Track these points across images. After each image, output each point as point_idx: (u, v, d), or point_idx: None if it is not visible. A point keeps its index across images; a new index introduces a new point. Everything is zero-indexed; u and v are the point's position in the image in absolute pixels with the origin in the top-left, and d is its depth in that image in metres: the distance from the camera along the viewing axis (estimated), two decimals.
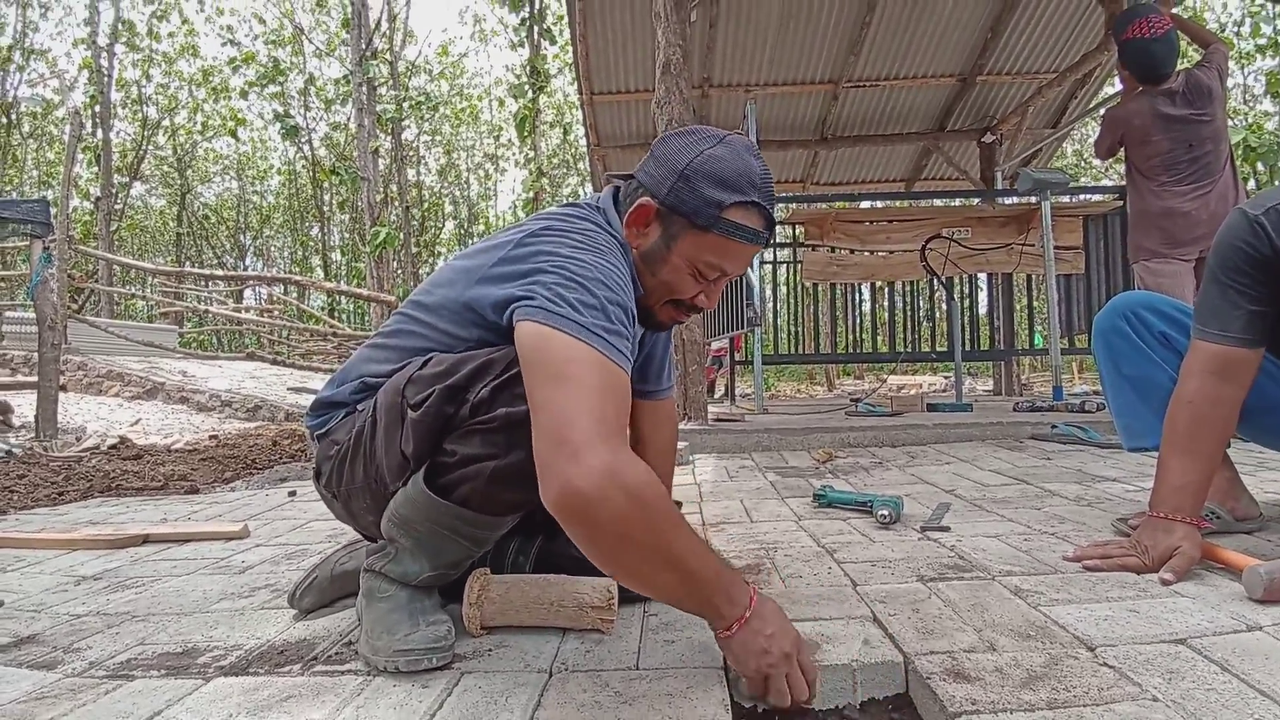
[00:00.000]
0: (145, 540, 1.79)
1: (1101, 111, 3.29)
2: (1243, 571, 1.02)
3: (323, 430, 1.08)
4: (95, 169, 14.34)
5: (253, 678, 0.91)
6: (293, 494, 2.46)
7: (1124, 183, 4.32)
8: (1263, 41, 9.43)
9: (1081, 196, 4.91)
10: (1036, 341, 7.22)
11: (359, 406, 1.03)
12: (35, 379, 4.59)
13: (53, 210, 4.44)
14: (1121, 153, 3.01)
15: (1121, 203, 4.26)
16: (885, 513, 1.53)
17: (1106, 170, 16.12)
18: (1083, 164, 17.19)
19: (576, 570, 1.03)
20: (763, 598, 0.84)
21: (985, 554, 1.28)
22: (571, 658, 0.92)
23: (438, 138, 20.31)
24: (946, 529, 1.47)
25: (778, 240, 5.53)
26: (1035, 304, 5.65)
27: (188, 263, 18.94)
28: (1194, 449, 1.18)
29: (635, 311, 0.94)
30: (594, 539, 0.76)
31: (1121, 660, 0.83)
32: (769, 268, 5.50)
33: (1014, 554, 1.27)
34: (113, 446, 4.23)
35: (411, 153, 18.28)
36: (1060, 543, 1.34)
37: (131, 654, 1.02)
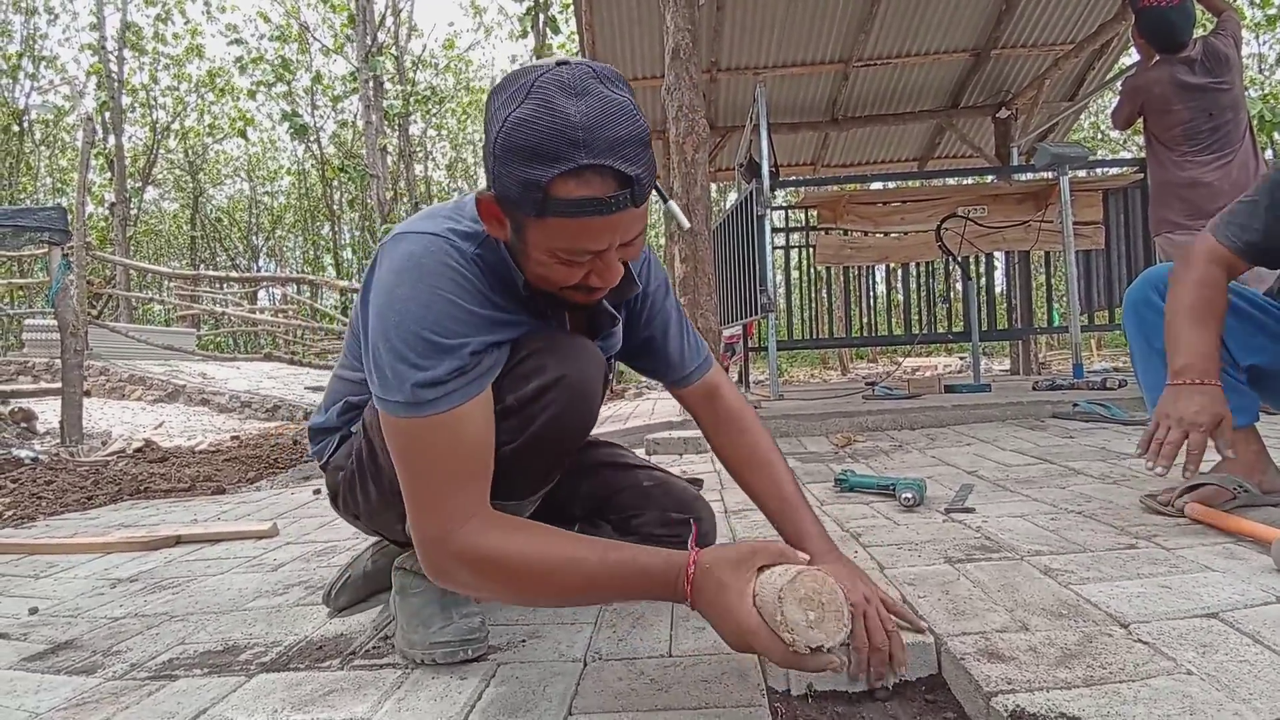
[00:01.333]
0: (178, 541, 1.83)
1: (1119, 83, 3.22)
2: (1271, 544, 1.02)
3: (324, 460, 1.11)
4: (108, 174, 14.50)
5: (294, 673, 0.94)
6: (317, 492, 2.49)
7: (1144, 154, 4.25)
8: (1273, 12, 9.19)
9: (1101, 170, 4.82)
10: (1054, 320, 7.13)
11: (352, 429, 1.06)
12: (59, 385, 4.68)
13: (69, 217, 4.51)
14: (1140, 124, 2.97)
15: (1142, 175, 4.17)
16: (909, 495, 1.52)
17: (1125, 142, 15.80)
18: (1100, 136, 16.87)
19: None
20: (704, 600, 0.73)
21: (1012, 534, 1.28)
22: (605, 646, 0.94)
23: (444, 132, 20.32)
24: (971, 510, 1.46)
25: (790, 225, 5.49)
26: (1053, 281, 5.57)
27: (202, 265, 19.14)
28: (1205, 322, 1.25)
29: (500, 307, 0.86)
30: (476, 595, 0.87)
31: (1155, 636, 0.82)
32: (781, 253, 5.46)
33: (1041, 533, 1.27)
34: (138, 450, 4.31)
35: (419, 148, 18.30)
36: (1087, 521, 1.33)
37: (172, 654, 1.04)
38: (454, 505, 0.78)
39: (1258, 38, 13.24)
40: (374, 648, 1.00)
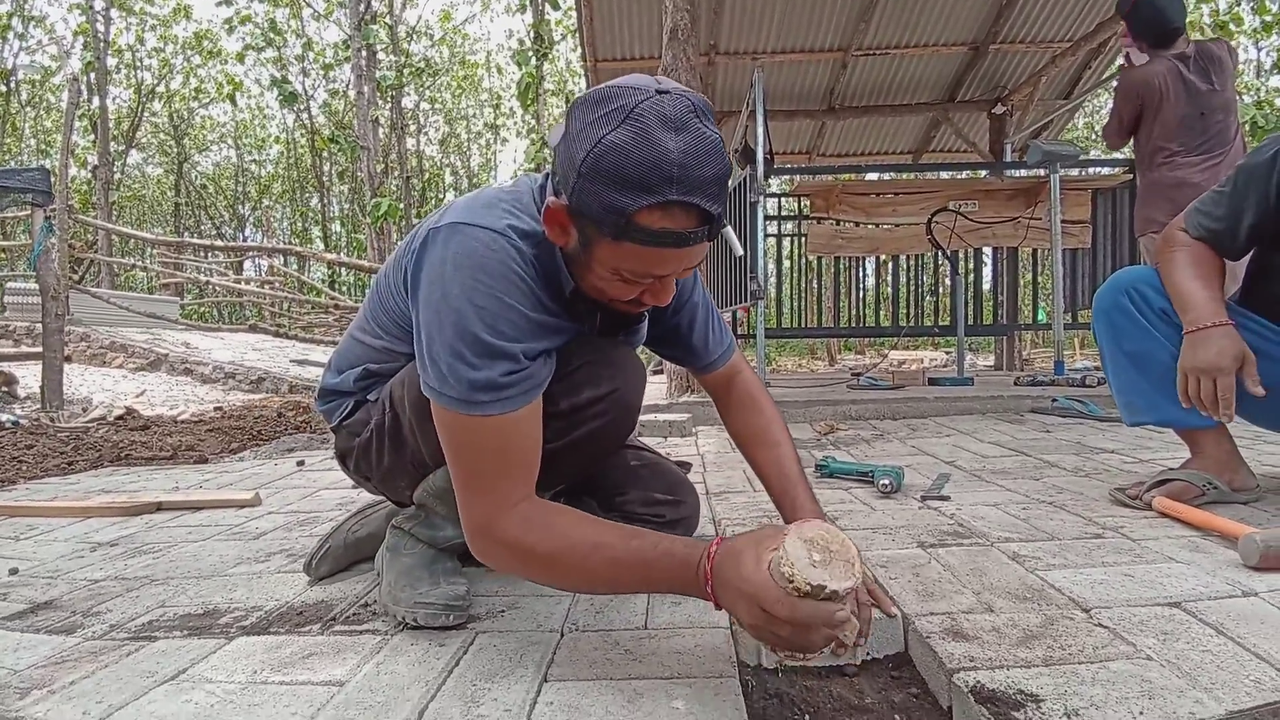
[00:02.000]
0: (159, 508, 1.82)
1: (1114, 83, 3.23)
2: (1239, 539, 1.05)
3: (335, 421, 1.13)
4: (92, 137, 14.18)
5: (274, 637, 0.95)
6: (301, 464, 2.49)
7: (1134, 156, 4.28)
8: (1269, 19, 9.24)
9: (1091, 170, 4.86)
10: (1040, 317, 7.21)
11: (369, 397, 1.08)
12: (40, 350, 4.61)
13: (52, 179, 4.42)
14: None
15: (1131, 176, 4.21)
16: (886, 482, 1.55)
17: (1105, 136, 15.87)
18: (1094, 136, 16.93)
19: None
20: (720, 579, 0.70)
21: (984, 521, 1.31)
22: (582, 619, 0.95)
23: (438, 105, 20.02)
24: (947, 498, 1.49)
25: (783, 213, 5.50)
26: (1040, 279, 5.62)
27: (186, 233, 18.83)
28: (1204, 276, 1.29)
29: (550, 311, 0.87)
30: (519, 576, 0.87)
31: (1116, 621, 0.85)
32: (773, 240, 5.47)
33: (1013, 522, 1.30)
34: (119, 417, 4.27)
35: (412, 122, 18.03)
36: (1058, 511, 1.36)
37: (152, 616, 1.05)
38: (501, 495, 0.81)
39: (1256, 44, 13.31)
40: (354, 614, 1.02)
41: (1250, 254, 1.39)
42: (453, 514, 0.98)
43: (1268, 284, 1.37)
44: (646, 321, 1.08)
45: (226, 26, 14.17)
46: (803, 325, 5.79)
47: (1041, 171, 3.76)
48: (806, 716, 0.77)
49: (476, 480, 0.82)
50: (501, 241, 0.83)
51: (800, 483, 1.02)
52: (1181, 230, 1.36)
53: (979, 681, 0.73)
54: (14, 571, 1.28)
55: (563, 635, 0.90)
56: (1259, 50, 13.79)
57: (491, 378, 0.79)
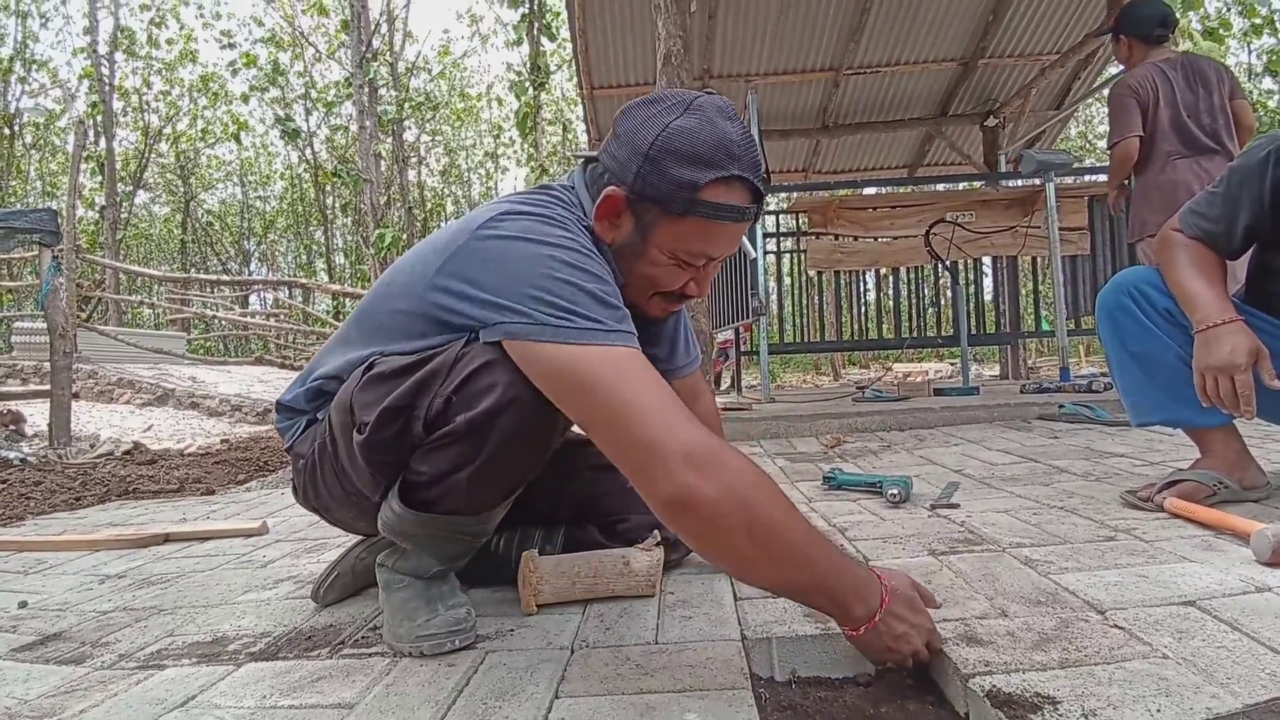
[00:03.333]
0: (166, 539, 1.82)
1: (1104, 91, 3.27)
2: (1250, 536, 1.04)
3: (288, 442, 1.08)
4: (99, 178, 14.43)
5: (283, 662, 0.94)
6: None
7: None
8: (1258, 21, 9.36)
9: (1086, 177, 4.89)
10: (1043, 325, 7.21)
11: (319, 415, 1.02)
12: (48, 388, 4.64)
13: (60, 219, 4.49)
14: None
15: (1127, 182, 4.23)
16: (895, 492, 1.54)
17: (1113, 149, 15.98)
18: (1087, 145, 17.07)
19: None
20: (895, 593, 0.78)
21: (995, 528, 1.30)
22: (592, 635, 0.95)
23: (438, 138, 20.34)
24: (956, 506, 1.48)
25: (781, 230, 5.54)
26: (1041, 289, 5.62)
27: (193, 270, 19.04)
28: (1207, 274, 1.29)
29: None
30: (721, 536, 0.71)
31: (1131, 622, 0.84)
32: (773, 258, 5.50)
33: (1024, 527, 1.29)
34: (127, 452, 4.28)
35: (413, 154, 18.31)
36: (1069, 515, 1.35)
37: (160, 645, 1.04)
38: (687, 416, 0.73)
39: (1247, 46, 13.42)
40: (363, 638, 1.01)
41: (1249, 253, 1.39)
42: (419, 548, 0.97)
43: (1268, 282, 1.38)
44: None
45: (230, 69, 14.50)
46: (805, 340, 5.79)
47: (1036, 180, 3.79)
48: None
49: (675, 411, 0.71)
50: (570, 219, 0.85)
51: None
52: (1177, 231, 1.37)
53: (995, 685, 0.72)
54: (23, 605, 1.28)
55: (573, 652, 0.90)
56: (1250, 53, 13.92)
57: (629, 320, 0.79)
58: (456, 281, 0.83)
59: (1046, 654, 0.78)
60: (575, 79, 5.90)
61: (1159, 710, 0.65)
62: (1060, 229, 3.70)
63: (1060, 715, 0.66)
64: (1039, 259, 5.15)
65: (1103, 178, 4.71)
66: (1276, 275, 1.35)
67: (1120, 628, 0.83)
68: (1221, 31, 6.72)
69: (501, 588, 1.16)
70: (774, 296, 5.06)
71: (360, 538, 1.25)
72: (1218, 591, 0.92)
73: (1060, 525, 1.29)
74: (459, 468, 0.86)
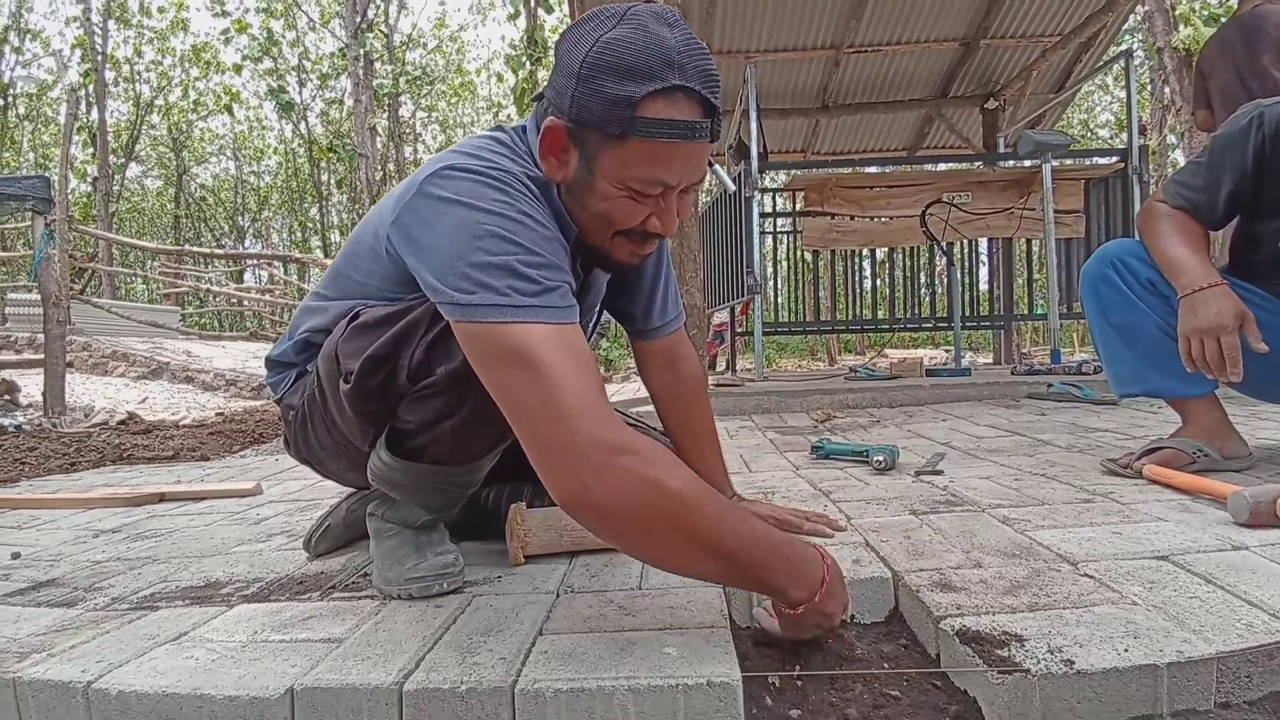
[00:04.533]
0: (162, 498, 1.84)
1: (1105, 74, 3.26)
2: (1228, 497, 1.06)
3: (279, 394, 1.08)
4: (91, 150, 14.26)
5: (275, 603, 0.96)
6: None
7: (1125, 147, 4.29)
8: None
9: (1084, 161, 4.88)
10: (1037, 308, 7.23)
11: (309, 367, 1.03)
12: (41, 357, 4.63)
13: (52, 189, 4.45)
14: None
15: (1123, 165, 4.23)
16: (881, 459, 1.57)
17: (1112, 139, 15.92)
18: (1090, 134, 16.98)
19: None
20: (834, 569, 0.75)
21: (976, 491, 1.32)
22: (578, 581, 0.97)
23: (434, 114, 20.12)
24: (940, 473, 1.51)
25: (778, 209, 5.53)
26: (1036, 276, 5.64)
27: (186, 244, 18.89)
28: (1190, 243, 1.31)
29: (566, 247, 0.81)
30: (617, 535, 0.70)
31: (1102, 572, 0.87)
32: (769, 239, 5.49)
33: (1005, 491, 1.31)
34: (121, 422, 4.29)
35: (408, 129, 18.12)
36: (1049, 481, 1.38)
37: (154, 590, 1.06)
38: (611, 413, 0.69)
39: None
40: (353, 583, 1.03)
41: (1232, 224, 1.41)
42: (408, 497, 0.98)
43: (1253, 252, 1.39)
44: (604, 281, 1.01)
45: (224, 38, 14.28)
46: (801, 320, 5.80)
47: (1032, 162, 3.78)
48: (797, 666, 0.79)
49: (579, 399, 0.67)
50: (510, 174, 0.79)
51: (724, 482, 1.18)
52: (1161, 201, 1.38)
53: (965, 625, 0.75)
54: (16, 556, 1.29)
55: (558, 596, 0.92)
56: None
57: (561, 284, 0.73)
58: (406, 244, 0.80)
59: (1017, 599, 0.80)
60: None
61: (1126, 650, 0.67)
62: (1056, 211, 3.71)
63: (1027, 651, 0.68)
64: (1034, 244, 5.15)
65: (1100, 160, 4.71)
66: (1259, 244, 1.37)
67: (1091, 577, 0.86)
68: (1224, 19, 6.66)
69: (490, 540, 1.18)
70: (770, 278, 5.06)
71: (352, 490, 1.27)
72: (1192, 548, 0.94)
73: (1040, 490, 1.31)
74: (443, 418, 0.87)
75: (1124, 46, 6.90)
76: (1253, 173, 1.29)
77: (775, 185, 5.57)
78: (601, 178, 0.78)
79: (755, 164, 3.77)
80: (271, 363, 1.10)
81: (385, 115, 13.69)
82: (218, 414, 5.15)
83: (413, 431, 0.91)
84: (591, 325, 1.05)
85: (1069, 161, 4.35)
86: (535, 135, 0.82)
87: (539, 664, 0.71)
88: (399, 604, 0.92)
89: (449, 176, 0.78)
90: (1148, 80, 9.95)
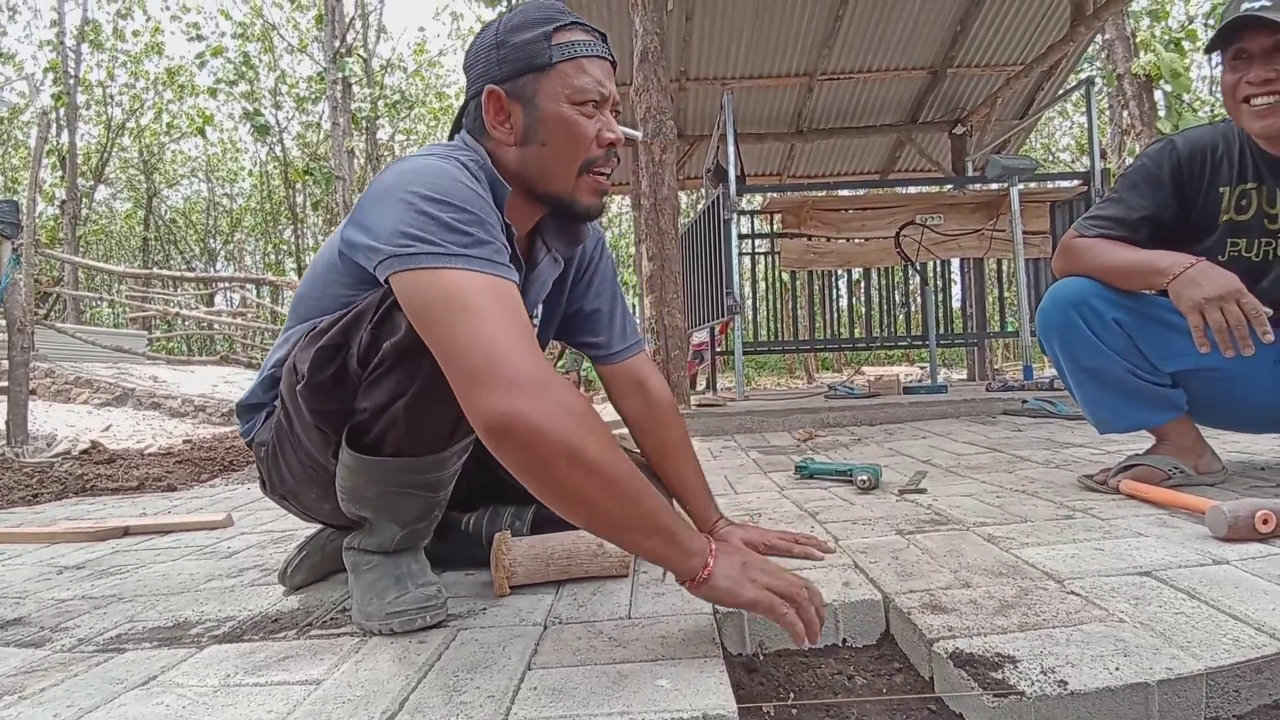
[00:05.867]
0: (126, 532, 1.77)
1: (1066, 102, 3.38)
2: (1206, 512, 1.07)
3: (250, 437, 1.09)
4: (60, 172, 13.98)
5: (248, 644, 0.92)
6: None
7: (1087, 170, 4.44)
8: None
9: (1048, 183, 5.04)
10: (1009, 326, 7.38)
11: (274, 404, 1.04)
12: (4, 385, 4.48)
13: (20, 213, 4.34)
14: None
15: (1086, 189, 4.38)
16: (864, 478, 1.57)
17: (1072, 163, 16.47)
18: (1052, 158, 17.54)
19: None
20: (724, 543, 0.82)
21: (960, 510, 1.33)
22: (565, 612, 0.95)
23: (413, 137, 20.11)
24: (923, 491, 1.52)
25: (756, 231, 5.59)
26: (1007, 295, 5.79)
27: (155, 268, 18.52)
28: (1136, 245, 1.33)
29: (501, 224, 0.88)
30: (540, 463, 0.71)
31: (1088, 589, 0.87)
32: (747, 260, 5.55)
33: (987, 509, 1.32)
34: (84, 451, 4.15)
35: (387, 152, 18.08)
36: (1030, 498, 1.39)
37: (120, 630, 1.02)
38: (541, 354, 0.74)
39: (1210, 60, 13.89)
40: (331, 619, 1.00)
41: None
42: (378, 513, 0.96)
43: None
44: (558, 277, 1.09)
45: (199, 61, 14.17)
46: (780, 339, 5.86)
47: (996, 186, 3.90)
48: (791, 695, 0.78)
49: (515, 335, 0.72)
50: (451, 156, 0.89)
51: (703, 492, 1.15)
52: (1079, 237, 1.40)
53: (958, 648, 0.74)
54: None
55: (546, 628, 0.90)
56: (1213, 65, 14.43)
57: (491, 240, 0.80)
58: (357, 229, 0.86)
59: (1007, 619, 0.80)
60: None
61: (1117, 669, 0.68)
62: (1024, 232, 3.81)
63: (1020, 673, 0.68)
64: (1004, 264, 5.28)
65: (1064, 184, 4.86)
66: None
67: (1078, 594, 0.86)
68: (1186, 44, 6.93)
69: (474, 570, 1.15)
70: (749, 300, 5.11)
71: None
72: (1174, 563, 0.95)
73: (1021, 506, 1.32)
74: (395, 398, 0.86)
75: (1084, 74, 7.18)
76: (1174, 196, 1.33)
77: (752, 207, 5.65)
78: (547, 106, 0.90)
79: (734, 186, 3.82)
80: (242, 408, 1.10)
81: (363, 138, 13.66)
82: (185, 441, 5.01)
83: (369, 421, 0.89)
84: (542, 331, 1.13)
85: (1034, 185, 4.49)
86: (467, 138, 0.95)
87: (529, 701, 0.69)
88: (380, 640, 0.89)
89: (399, 161, 0.89)
90: (1106, 105, 10.34)
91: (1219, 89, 1.42)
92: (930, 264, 4.71)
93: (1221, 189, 1.35)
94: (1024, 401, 2.87)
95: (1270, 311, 1.16)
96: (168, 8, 16.23)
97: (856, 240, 4.57)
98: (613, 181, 1.14)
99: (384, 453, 0.90)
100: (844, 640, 0.89)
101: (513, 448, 0.70)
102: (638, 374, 1.16)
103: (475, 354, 0.71)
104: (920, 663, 0.80)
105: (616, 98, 0.95)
